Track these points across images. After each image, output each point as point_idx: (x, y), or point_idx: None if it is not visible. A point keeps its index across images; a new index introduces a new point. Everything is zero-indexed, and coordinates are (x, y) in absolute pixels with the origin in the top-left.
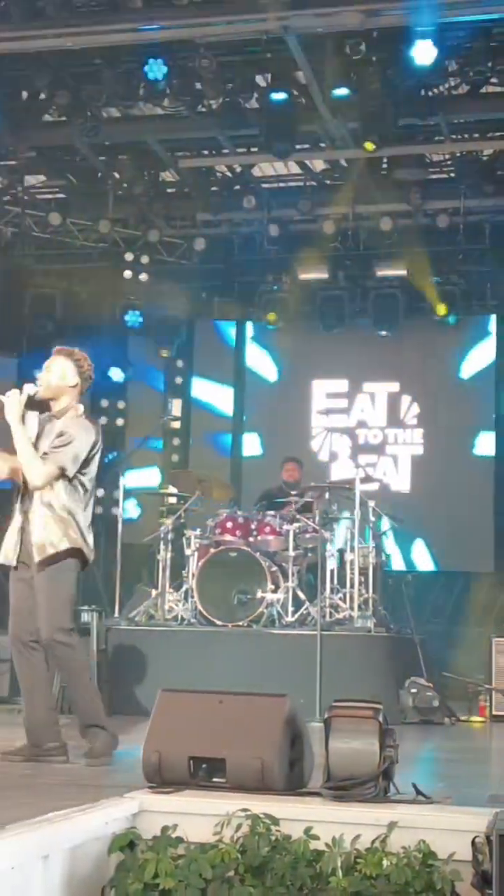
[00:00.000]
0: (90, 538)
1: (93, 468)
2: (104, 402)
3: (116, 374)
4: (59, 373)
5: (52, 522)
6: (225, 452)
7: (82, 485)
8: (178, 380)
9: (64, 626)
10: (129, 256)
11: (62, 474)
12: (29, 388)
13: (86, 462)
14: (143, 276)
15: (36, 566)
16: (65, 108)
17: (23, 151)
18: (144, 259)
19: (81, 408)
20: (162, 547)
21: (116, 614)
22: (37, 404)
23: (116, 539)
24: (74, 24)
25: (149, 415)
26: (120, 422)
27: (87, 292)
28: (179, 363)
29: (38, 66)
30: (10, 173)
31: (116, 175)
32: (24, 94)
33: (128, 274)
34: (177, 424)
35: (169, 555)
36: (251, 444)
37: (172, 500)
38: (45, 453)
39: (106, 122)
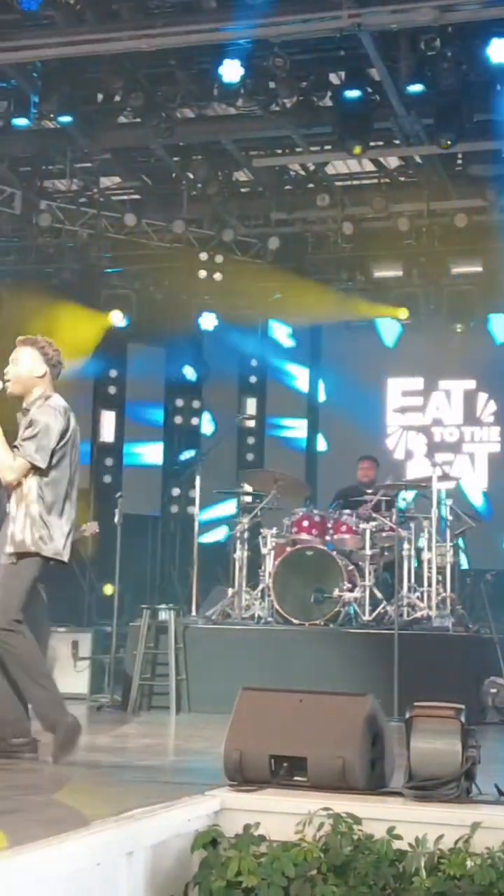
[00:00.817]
0: (60, 539)
1: (66, 457)
2: (179, 402)
3: (191, 374)
4: (26, 364)
5: (23, 523)
6: (299, 451)
7: (54, 478)
8: (253, 379)
9: (12, 616)
10: (203, 256)
11: (34, 467)
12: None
13: (55, 452)
14: (218, 276)
15: (4, 556)
16: (139, 109)
17: (98, 153)
18: (219, 259)
19: (55, 397)
20: (238, 546)
21: (193, 613)
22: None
23: (193, 538)
24: (149, 25)
25: (223, 414)
26: (195, 421)
27: (162, 292)
28: (253, 362)
29: (113, 68)
30: (86, 175)
31: (190, 175)
32: (100, 97)
33: (202, 274)
34: (251, 423)
35: (245, 554)
36: (326, 443)
37: (247, 498)
38: (14, 446)
39: (180, 123)
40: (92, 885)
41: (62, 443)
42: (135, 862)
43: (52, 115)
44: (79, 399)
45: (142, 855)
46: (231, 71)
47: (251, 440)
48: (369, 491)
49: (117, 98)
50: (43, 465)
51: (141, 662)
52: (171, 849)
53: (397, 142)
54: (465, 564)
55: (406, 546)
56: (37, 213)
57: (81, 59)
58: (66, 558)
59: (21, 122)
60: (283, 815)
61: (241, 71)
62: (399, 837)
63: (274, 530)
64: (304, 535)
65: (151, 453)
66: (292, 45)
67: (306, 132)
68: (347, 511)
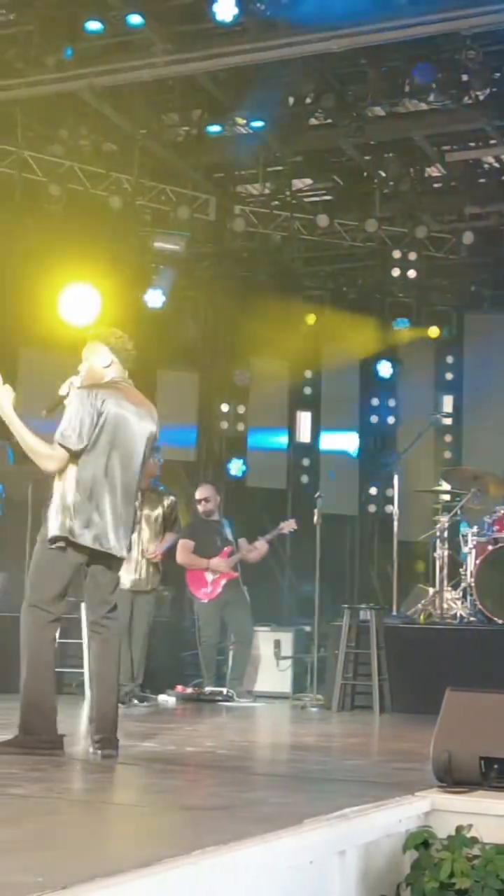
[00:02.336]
0: (99, 528)
1: (102, 443)
2: (374, 401)
3: (386, 371)
4: (91, 358)
5: (55, 508)
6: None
7: (85, 463)
8: (449, 375)
9: (37, 596)
10: (396, 254)
11: (71, 451)
12: (75, 380)
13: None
14: (412, 273)
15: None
16: (330, 110)
17: (290, 156)
18: (412, 256)
19: (108, 373)
20: (438, 545)
21: (394, 612)
22: None
23: (392, 537)
24: (339, 26)
25: (420, 412)
26: (391, 420)
27: (356, 292)
28: (449, 359)
29: (304, 71)
30: (278, 178)
31: (382, 173)
32: (291, 100)
33: (396, 272)
34: (448, 421)
35: (446, 553)
36: None
37: (446, 497)
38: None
39: (371, 122)
40: (306, 883)
41: (95, 428)
42: (347, 861)
43: (244, 121)
44: (277, 400)
45: (354, 854)
46: (426, 74)
47: (448, 438)
48: None
49: (308, 100)
50: (73, 446)
51: (343, 662)
52: (382, 849)
53: None
54: None
55: None
56: (231, 217)
57: (272, 64)
58: (112, 551)
59: (214, 129)
60: (496, 817)
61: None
62: None
63: (475, 529)
64: None
65: (347, 452)
66: (484, 36)
67: (500, 124)
68: None
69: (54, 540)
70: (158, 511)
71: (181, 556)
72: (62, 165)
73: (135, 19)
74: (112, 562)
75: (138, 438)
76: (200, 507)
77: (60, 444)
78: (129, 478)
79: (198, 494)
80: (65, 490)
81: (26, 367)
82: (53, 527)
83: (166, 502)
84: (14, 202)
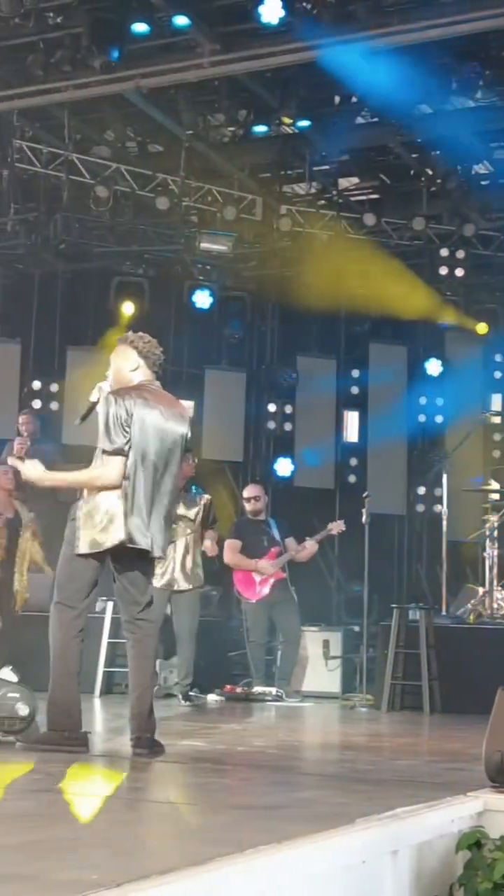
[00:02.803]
0: (126, 527)
1: (132, 442)
2: (422, 399)
3: (433, 370)
4: (118, 362)
5: (85, 509)
6: None
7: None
8: (497, 374)
9: (60, 595)
10: (444, 252)
11: (111, 452)
12: (104, 386)
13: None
14: (459, 272)
15: None
16: (377, 108)
17: (336, 155)
18: (460, 254)
19: (135, 377)
20: (488, 544)
21: (444, 612)
22: None
23: (441, 536)
24: (385, 24)
25: (468, 410)
26: (439, 418)
27: (403, 290)
28: (498, 357)
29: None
30: (324, 177)
31: (429, 171)
32: (337, 99)
33: (443, 270)
34: (497, 419)
35: (495, 552)
36: None
37: (495, 495)
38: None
39: (418, 119)
40: (358, 883)
41: (127, 428)
42: (399, 861)
43: (290, 121)
44: (324, 399)
45: (406, 854)
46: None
47: (497, 436)
48: None
49: (354, 99)
50: (109, 447)
51: (392, 662)
52: (434, 849)
53: None
54: None
55: None
56: (277, 217)
57: (318, 63)
58: (145, 547)
59: (260, 129)
60: None
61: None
62: None
63: None
64: None
65: (395, 452)
66: None
67: None
68: None
69: (88, 546)
70: (194, 511)
71: (228, 556)
72: (109, 167)
73: (181, 21)
74: (143, 561)
75: (169, 440)
76: (248, 506)
77: (107, 452)
78: (162, 478)
79: (246, 493)
80: (98, 496)
81: (74, 367)
82: (85, 532)
83: (202, 502)
84: (62, 204)
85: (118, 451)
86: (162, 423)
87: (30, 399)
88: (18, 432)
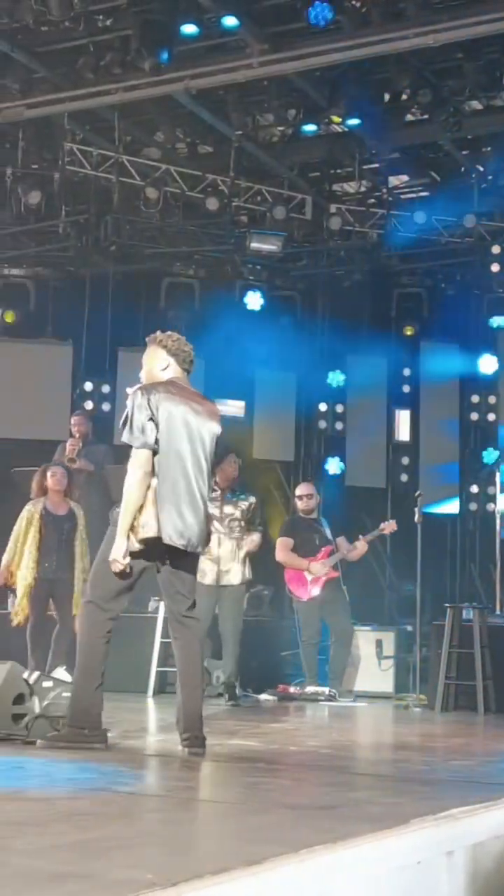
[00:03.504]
0: (157, 523)
1: (161, 441)
2: (475, 398)
3: (487, 368)
4: (149, 362)
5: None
6: None
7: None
8: None
9: (90, 594)
10: (495, 249)
11: (138, 446)
12: (128, 390)
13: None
14: None
15: None
16: (427, 105)
17: (386, 153)
18: None
19: (165, 376)
20: None
21: (497, 611)
22: None
23: (494, 535)
24: (435, 21)
25: None
26: (491, 417)
27: (454, 288)
28: None
29: (400, 67)
30: (374, 176)
31: (480, 168)
32: (386, 97)
33: (495, 267)
34: None
35: None
36: None
37: None
38: None
39: (468, 116)
40: (413, 884)
41: (154, 424)
42: (455, 862)
43: (339, 119)
44: (375, 398)
45: (462, 855)
46: None
47: None
48: None
49: (404, 96)
50: (136, 442)
51: (446, 662)
52: (490, 850)
53: None
54: None
55: None
56: (327, 216)
57: (367, 61)
58: (182, 546)
59: (309, 128)
60: None
61: None
62: None
63: None
64: None
65: (447, 451)
66: None
67: None
68: None
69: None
70: (240, 511)
71: (280, 554)
72: (159, 168)
73: (230, 21)
74: (184, 559)
75: (199, 437)
76: (300, 504)
77: (134, 447)
78: (194, 474)
79: (298, 491)
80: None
81: (125, 368)
82: (122, 532)
83: (247, 503)
84: (112, 206)
85: (145, 445)
86: (192, 420)
87: (82, 400)
88: (70, 434)
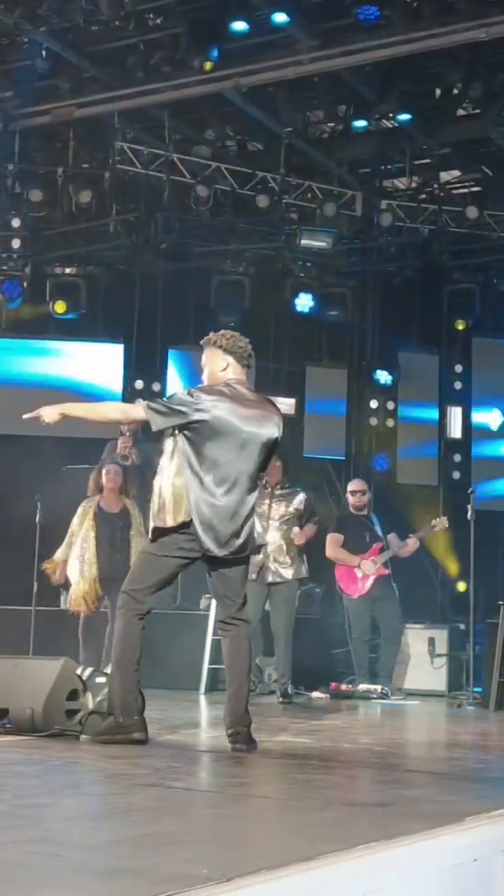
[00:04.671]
0: (200, 531)
1: (213, 443)
2: None
3: None
4: (208, 364)
5: (168, 507)
6: None
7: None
8: None
9: (125, 587)
10: None
11: (153, 422)
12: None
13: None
14: None
15: None
16: (479, 100)
17: (437, 148)
18: None
19: (227, 376)
20: None
21: None
22: None
23: None
24: (487, 14)
25: None
26: None
27: None
28: None
29: (451, 61)
30: (425, 171)
31: None
32: (437, 91)
33: None
34: None
35: None
36: None
37: None
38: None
39: None
40: (469, 881)
41: (195, 423)
42: None
43: (390, 115)
44: (426, 395)
45: None
46: None
47: None
48: None
49: (455, 91)
50: (150, 419)
51: (500, 660)
52: None
53: None
54: None
55: None
56: (377, 213)
57: (418, 56)
58: (219, 554)
59: (360, 123)
60: None
61: None
62: None
63: None
64: None
65: (500, 447)
66: None
67: None
68: None
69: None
70: (292, 508)
71: (330, 550)
72: (209, 166)
73: (280, 18)
74: (230, 564)
75: (251, 442)
76: (352, 500)
77: (142, 404)
78: (239, 481)
79: (350, 487)
80: (174, 491)
81: (175, 366)
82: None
83: (296, 498)
84: (163, 204)
85: (153, 422)
86: (246, 425)
87: (133, 398)
88: (121, 432)
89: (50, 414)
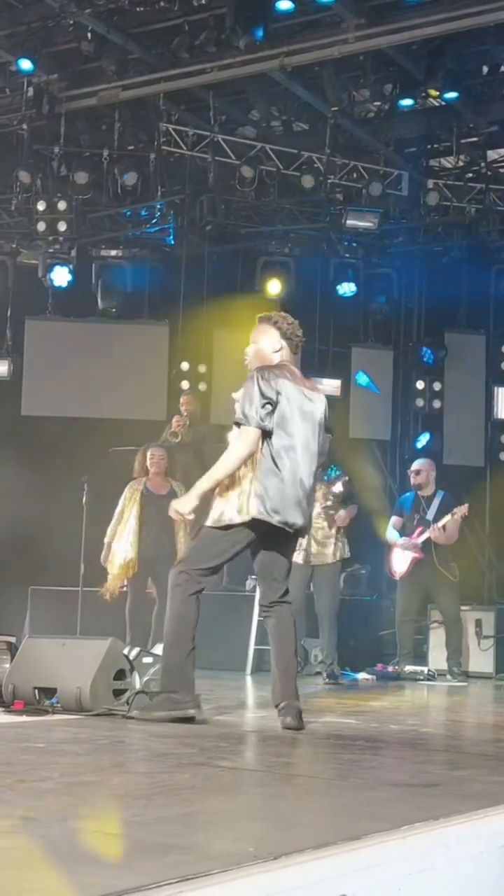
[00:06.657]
0: (276, 502)
1: (277, 422)
2: None
3: None
4: (262, 341)
5: (234, 490)
6: None
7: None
8: None
9: (182, 566)
10: None
11: (254, 426)
12: (235, 396)
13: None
14: None
15: None
16: None
17: (484, 127)
18: None
19: (278, 359)
20: None
21: None
22: None
23: None
24: None
25: None
26: None
27: None
28: None
29: (498, 38)
30: (472, 150)
31: None
32: (485, 69)
33: None
34: None
35: None
36: None
37: None
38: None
39: None
40: (499, 867)
41: (272, 408)
42: None
43: (437, 93)
44: (473, 375)
45: None
46: None
47: None
48: None
49: (503, 68)
50: (250, 422)
51: None
52: None
53: None
54: None
55: None
56: (424, 192)
57: (465, 34)
58: (292, 526)
59: (406, 102)
60: None
61: None
62: None
63: None
64: None
65: None
66: None
67: None
68: None
69: (228, 525)
70: (334, 488)
71: (387, 531)
72: (254, 147)
73: None
74: (282, 543)
75: (311, 420)
76: (412, 479)
77: (241, 425)
78: (305, 457)
79: (413, 466)
80: (240, 471)
81: (220, 347)
82: (230, 509)
83: (339, 481)
84: (208, 185)
85: (258, 426)
86: (306, 403)
87: (179, 380)
88: (179, 412)
89: (186, 507)
